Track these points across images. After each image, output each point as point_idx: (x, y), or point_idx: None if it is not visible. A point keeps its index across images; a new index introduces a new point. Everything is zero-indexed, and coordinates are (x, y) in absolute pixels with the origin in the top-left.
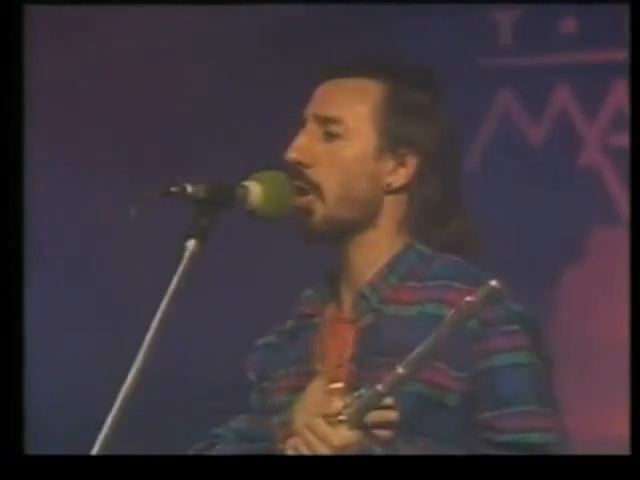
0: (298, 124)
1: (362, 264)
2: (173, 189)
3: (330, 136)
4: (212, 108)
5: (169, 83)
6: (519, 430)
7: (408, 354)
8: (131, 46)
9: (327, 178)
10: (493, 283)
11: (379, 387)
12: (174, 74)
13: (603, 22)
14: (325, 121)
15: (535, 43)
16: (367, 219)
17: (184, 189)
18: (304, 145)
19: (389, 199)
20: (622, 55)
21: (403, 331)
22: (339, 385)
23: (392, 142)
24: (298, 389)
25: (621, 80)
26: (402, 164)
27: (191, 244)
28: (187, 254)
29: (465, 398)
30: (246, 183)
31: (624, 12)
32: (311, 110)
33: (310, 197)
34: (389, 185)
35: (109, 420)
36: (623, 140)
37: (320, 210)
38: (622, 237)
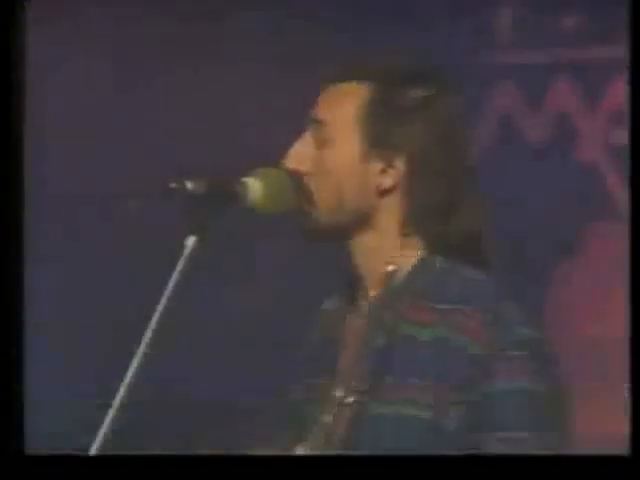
0: (297, 127)
1: (370, 271)
2: (172, 185)
3: (321, 141)
4: (213, 106)
5: (169, 80)
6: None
7: (419, 377)
8: (131, 43)
9: (318, 184)
10: (463, 279)
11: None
12: (175, 71)
13: (603, 19)
14: (316, 125)
15: (535, 40)
16: (363, 222)
17: (183, 185)
18: (298, 152)
19: (384, 201)
20: (621, 52)
21: (416, 354)
22: (350, 400)
23: (379, 144)
24: (316, 402)
25: (620, 77)
26: (390, 165)
27: (191, 241)
28: (187, 251)
29: (464, 422)
30: (246, 179)
31: (623, 9)
32: (309, 115)
33: (305, 204)
34: (379, 186)
35: (108, 419)
36: (622, 137)
37: (313, 214)
38: (621, 233)
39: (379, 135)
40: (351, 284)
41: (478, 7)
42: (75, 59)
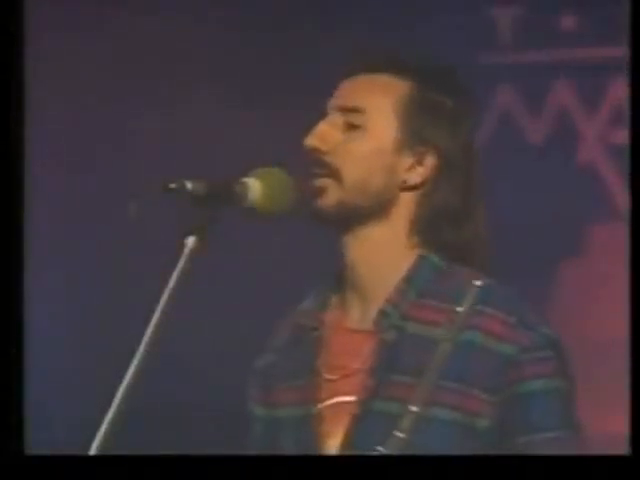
0: (315, 120)
1: (367, 263)
2: (172, 185)
3: (351, 126)
4: (213, 104)
5: (170, 80)
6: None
7: (428, 376)
8: (131, 44)
9: (346, 165)
10: (478, 283)
11: (399, 434)
12: (176, 70)
13: (603, 19)
14: (347, 111)
15: (535, 40)
16: (378, 212)
17: (183, 185)
18: (323, 133)
19: (403, 196)
20: (622, 52)
21: (427, 352)
22: (350, 399)
23: (413, 139)
24: (303, 402)
25: (621, 77)
26: (420, 162)
27: (190, 241)
28: (186, 251)
29: (496, 422)
30: (245, 180)
31: (624, 9)
32: (333, 103)
33: (326, 180)
34: (405, 182)
35: (107, 420)
36: (622, 137)
37: (335, 193)
38: (621, 234)
39: (416, 131)
40: (340, 281)
41: (478, 7)
42: (75, 59)
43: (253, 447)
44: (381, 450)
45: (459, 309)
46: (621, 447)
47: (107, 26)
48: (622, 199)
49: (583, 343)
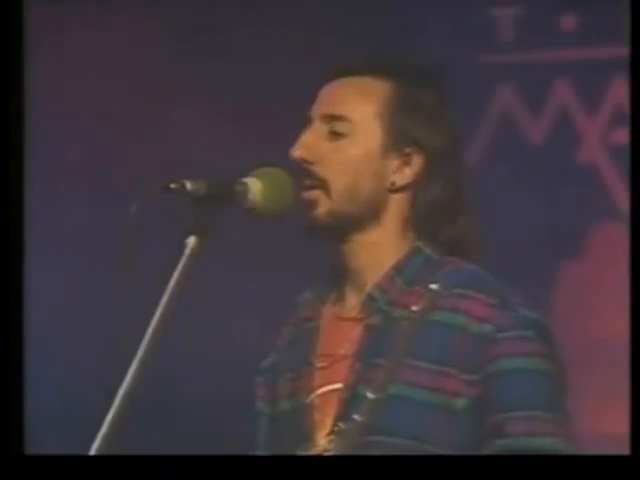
0: (301, 123)
1: (366, 264)
2: (173, 186)
3: (336, 134)
4: (213, 105)
5: (170, 80)
6: (524, 434)
7: (410, 359)
8: (131, 43)
9: (333, 175)
10: (433, 286)
11: (356, 417)
12: (175, 70)
13: (603, 18)
14: (331, 120)
15: (535, 39)
16: (371, 217)
17: (184, 186)
18: (309, 143)
19: (394, 198)
20: (622, 51)
21: (415, 335)
22: (338, 386)
23: (398, 140)
24: (298, 393)
25: (621, 76)
26: (407, 163)
27: (191, 241)
28: (187, 251)
29: (474, 401)
30: (246, 180)
31: (624, 8)
32: (316, 109)
33: (316, 192)
34: (394, 184)
35: (107, 420)
36: (623, 136)
37: (325, 204)
38: (622, 234)
39: (400, 132)
40: (338, 277)
41: (478, 7)
42: (75, 59)
43: (260, 443)
44: (357, 419)
45: (442, 292)
46: (621, 447)
47: (107, 26)
48: (622, 199)
49: (583, 343)
